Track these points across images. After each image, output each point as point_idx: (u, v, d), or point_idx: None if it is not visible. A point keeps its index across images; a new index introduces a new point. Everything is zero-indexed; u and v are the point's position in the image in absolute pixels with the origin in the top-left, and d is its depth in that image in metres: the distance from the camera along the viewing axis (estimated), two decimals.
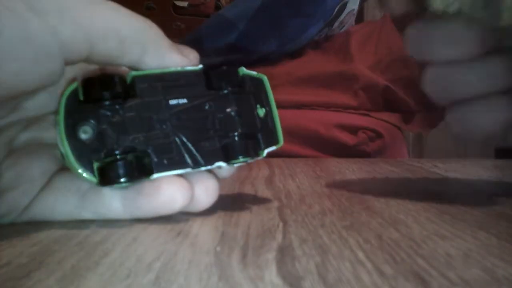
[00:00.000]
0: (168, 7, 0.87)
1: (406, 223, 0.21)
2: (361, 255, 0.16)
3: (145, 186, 0.21)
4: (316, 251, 0.16)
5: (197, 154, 0.21)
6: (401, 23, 0.25)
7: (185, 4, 0.87)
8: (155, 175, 0.21)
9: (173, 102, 0.22)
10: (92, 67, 0.22)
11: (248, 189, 0.30)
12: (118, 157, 0.20)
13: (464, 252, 0.16)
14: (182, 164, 0.21)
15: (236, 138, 0.22)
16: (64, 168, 0.22)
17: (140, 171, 0.20)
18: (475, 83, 0.23)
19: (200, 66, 0.23)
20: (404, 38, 0.24)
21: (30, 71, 0.18)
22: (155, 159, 0.21)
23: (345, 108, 0.66)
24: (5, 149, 0.21)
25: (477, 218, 0.22)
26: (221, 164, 0.22)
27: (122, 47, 0.20)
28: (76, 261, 0.16)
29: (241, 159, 0.22)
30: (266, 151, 0.23)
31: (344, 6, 0.71)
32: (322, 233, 0.19)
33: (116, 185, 0.20)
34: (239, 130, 0.22)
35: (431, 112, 0.67)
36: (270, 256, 0.16)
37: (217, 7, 0.87)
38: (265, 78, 0.24)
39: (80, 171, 0.20)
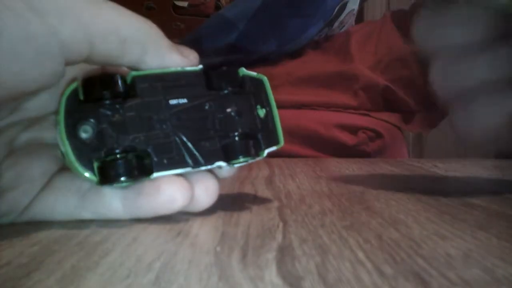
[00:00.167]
0: (168, 7, 0.87)
1: (406, 223, 0.21)
2: (361, 255, 0.16)
3: (145, 186, 0.21)
4: (316, 251, 0.16)
5: (197, 154, 0.22)
6: (401, 20, 0.25)
7: (185, 4, 0.87)
8: (155, 175, 0.21)
9: (173, 102, 0.22)
10: (92, 67, 0.22)
11: (248, 189, 0.30)
12: (118, 156, 0.20)
13: (464, 252, 0.16)
14: (182, 164, 0.21)
15: (237, 138, 0.22)
16: (64, 168, 0.22)
17: (140, 170, 0.20)
18: (483, 70, 0.23)
19: (200, 66, 0.23)
20: (412, 28, 0.24)
21: (30, 71, 0.18)
22: (155, 159, 0.21)
23: (345, 108, 0.66)
24: (5, 149, 0.21)
25: (477, 218, 0.22)
26: (221, 164, 0.22)
27: (122, 47, 0.20)
28: (76, 261, 0.16)
29: (241, 159, 0.22)
30: (266, 152, 0.23)
31: (344, 6, 0.71)
32: (322, 233, 0.19)
33: (116, 184, 0.20)
34: (239, 130, 0.23)
35: (431, 112, 0.67)
36: (270, 256, 0.16)
37: (217, 7, 0.87)
38: (265, 79, 0.24)
39: (80, 170, 0.20)
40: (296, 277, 0.14)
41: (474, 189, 0.32)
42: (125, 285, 0.14)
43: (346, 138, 0.63)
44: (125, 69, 0.22)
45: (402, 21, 0.68)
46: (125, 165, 0.20)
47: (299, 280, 0.14)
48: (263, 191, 0.29)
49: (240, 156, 0.22)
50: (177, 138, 0.21)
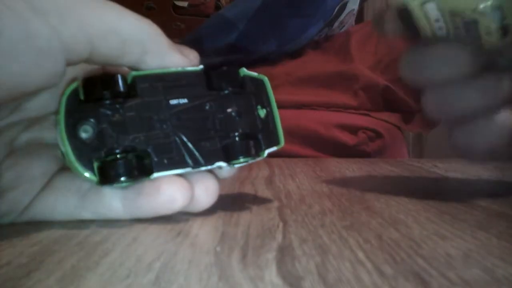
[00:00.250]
0: (168, 7, 0.87)
1: (406, 223, 0.21)
2: (361, 255, 0.16)
3: (145, 186, 0.21)
4: (316, 251, 0.16)
5: (197, 154, 0.22)
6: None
7: (185, 4, 0.87)
8: (155, 175, 0.21)
9: (173, 102, 0.22)
10: (93, 67, 0.22)
11: (248, 189, 0.30)
12: (118, 156, 0.20)
13: (464, 252, 0.16)
14: (182, 164, 0.21)
15: (237, 139, 0.22)
16: (64, 168, 0.22)
17: (140, 170, 0.20)
18: (472, 100, 0.24)
19: (201, 66, 0.23)
20: (400, 66, 0.26)
21: (31, 71, 0.18)
22: (155, 159, 0.21)
23: (345, 108, 0.66)
24: (5, 149, 0.21)
25: (477, 218, 0.22)
26: (222, 164, 0.22)
27: (123, 47, 0.20)
28: (76, 261, 0.16)
29: (241, 159, 0.22)
30: (266, 152, 0.23)
31: (344, 6, 0.71)
32: (322, 233, 0.19)
33: (116, 184, 0.20)
34: (240, 131, 0.23)
35: None
36: (270, 256, 0.16)
37: (217, 7, 0.87)
38: (266, 79, 0.24)
39: (80, 170, 0.20)
40: (296, 277, 0.14)
41: (474, 189, 0.32)
42: (125, 285, 0.14)
43: (346, 138, 0.62)
44: (125, 69, 0.22)
45: None
46: (125, 165, 0.20)
47: (299, 280, 0.14)
48: (263, 191, 0.29)
49: (241, 157, 0.22)
50: (177, 138, 0.21)
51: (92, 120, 0.20)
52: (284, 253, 0.16)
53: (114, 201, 0.21)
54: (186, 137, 0.21)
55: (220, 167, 0.22)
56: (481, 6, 0.22)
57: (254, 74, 0.24)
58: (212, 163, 0.22)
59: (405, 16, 0.24)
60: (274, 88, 0.24)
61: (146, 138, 0.21)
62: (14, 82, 0.17)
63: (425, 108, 0.26)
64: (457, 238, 0.18)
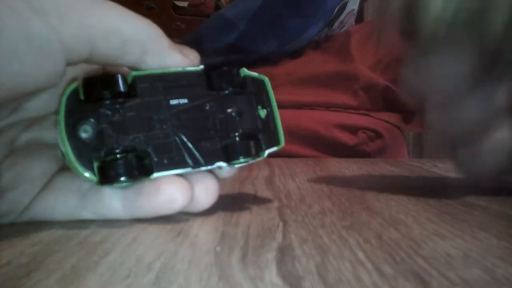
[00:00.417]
0: (168, 7, 0.87)
1: (406, 223, 0.21)
2: (361, 255, 0.16)
3: (145, 186, 0.21)
4: (316, 251, 0.16)
5: (197, 154, 0.22)
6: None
7: (185, 4, 0.87)
8: (155, 175, 0.21)
9: (173, 102, 0.22)
10: (93, 67, 0.22)
11: (248, 189, 0.30)
12: (118, 156, 0.20)
13: (464, 252, 0.16)
14: (182, 164, 0.21)
15: (237, 139, 0.22)
16: (64, 168, 0.22)
17: (140, 170, 0.20)
18: (478, 110, 0.24)
19: (201, 66, 0.23)
20: (400, 83, 0.25)
21: (31, 71, 0.18)
22: (155, 159, 0.21)
23: (345, 108, 0.66)
24: (5, 149, 0.21)
25: (477, 218, 0.22)
26: (222, 164, 0.22)
27: (123, 48, 0.20)
28: (76, 261, 0.16)
29: (241, 159, 0.22)
30: (267, 152, 0.23)
31: (344, 6, 0.71)
32: (322, 233, 0.19)
33: (116, 184, 0.20)
34: (240, 131, 0.23)
35: None
36: (270, 256, 0.16)
37: (217, 7, 0.87)
38: (266, 79, 0.24)
39: (80, 170, 0.20)
40: (296, 277, 0.14)
41: (474, 189, 0.32)
42: (125, 285, 0.14)
43: (346, 138, 0.63)
44: (125, 69, 0.22)
45: None
46: (125, 165, 0.20)
47: (299, 280, 0.14)
48: (263, 191, 0.29)
49: (241, 157, 0.22)
50: (177, 138, 0.21)
51: (92, 120, 0.20)
52: (284, 253, 0.16)
53: (114, 201, 0.21)
54: (186, 137, 0.21)
55: (220, 167, 0.22)
56: (485, 3, 0.21)
57: (254, 74, 0.24)
58: (212, 163, 0.22)
59: (407, 14, 0.24)
60: (274, 88, 0.24)
61: (146, 138, 0.21)
62: (14, 82, 0.17)
63: (430, 128, 0.25)
64: (457, 238, 0.18)
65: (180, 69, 0.22)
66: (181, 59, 0.22)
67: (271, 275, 0.14)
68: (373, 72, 0.67)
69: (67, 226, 0.21)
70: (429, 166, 0.43)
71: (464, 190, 0.31)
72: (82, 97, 0.20)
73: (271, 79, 0.24)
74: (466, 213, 0.23)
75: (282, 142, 0.24)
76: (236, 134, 0.22)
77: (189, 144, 0.21)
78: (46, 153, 0.22)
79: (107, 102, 0.20)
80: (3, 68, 0.17)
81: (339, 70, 0.67)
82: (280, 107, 0.24)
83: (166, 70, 0.22)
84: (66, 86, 0.20)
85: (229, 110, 0.23)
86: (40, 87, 0.19)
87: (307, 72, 0.68)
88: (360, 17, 0.90)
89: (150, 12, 0.85)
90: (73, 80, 0.21)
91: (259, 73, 0.24)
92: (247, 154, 0.22)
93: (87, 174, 0.20)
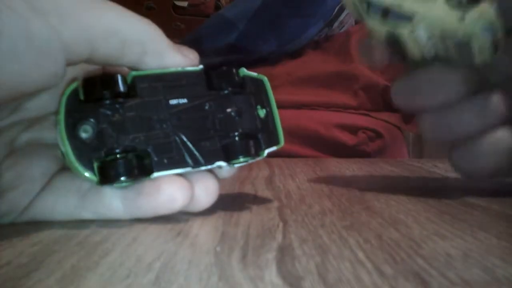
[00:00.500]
0: (168, 7, 0.87)
1: (406, 223, 0.21)
2: (361, 255, 0.16)
3: (145, 185, 0.21)
4: (316, 251, 0.16)
5: (197, 154, 0.22)
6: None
7: (185, 4, 0.87)
8: (155, 174, 0.21)
9: (173, 102, 0.22)
10: (93, 67, 0.22)
11: (248, 189, 0.30)
12: (118, 156, 0.20)
13: (464, 252, 0.16)
14: (182, 164, 0.21)
15: (237, 138, 0.22)
16: (64, 168, 0.22)
17: (140, 170, 0.20)
18: (468, 122, 0.24)
19: (201, 66, 0.23)
20: (392, 94, 0.26)
21: (31, 72, 0.18)
22: (155, 159, 0.21)
23: (345, 108, 0.66)
24: (5, 149, 0.21)
25: (477, 218, 0.22)
26: (222, 163, 0.22)
27: (123, 48, 0.20)
28: (76, 261, 0.16)
29: (241, 159, 0.22)
30: (266, 152, 0.23)
31: (344, 6, 0.71)
32: (322, 233, 0.19)
33: (116, 184, 0.21)
34: (240, 130, 0.23)
35: None
36: (270, 256, 0.16)
37: (217, 7, 0.87)
38: (265, 79, 0.24)
39: (80, 170, 0.20)
40: (296, 277, 0.14)
41: (474, 189, 0.32)
42: (125, 285, 0.14)
43: (346, 138, 0.63)
44: (125, 69, 0.22)
45: None
46: (125, 165, 0.20)
47: (299, 280, 0.14)
48: (263, 191, 0.29)
49: (240, 156, 0.22)
50: (177, 138, 0.21)
51: (92, 120, 0.20)
52: (284, 253, 0.16)
53: (114, 201, 0.21)
54: (186, 137, 0.21)
55: (220, 167, 0.22)
56: (473, 26, 0.22)
57: (253, 74, 0.24)
58: (212, 163, 0.22)
59: (392, 42, 0.24)
60: (274, 88, 0.24)
61: (146, 138, 0.21)
62: (14, 82, 0.17)
63: (423, 133, 0.26)
64: (457, 238, 0.18)
65: (179, 69, 0.22)
66: (181, 59, 0.22)
67: (271, 275, 0.14)
68: (373, 72, 0.67)
69: (67, 226, 0.21)
70: (429, 166, 0.43)
71: (464, 190, 0.31)
72: (82, 97, 0.20)
73: (271, 79, 0.24)
74: (466, 213, 0.23)
75: (282, 142, 0.24)
76: (236, 133, 0.22)
77: (189, 144, 0.21)
78: (46, 153, 0.22)
79: (107, 102, 0.20)
80: (3, 68, 0.17)
81: (339, 70, 0.67)
82: (280, 107, 0.24)
83: (165, 70, 0.22)
84: (66, 86, 0.21)
85: (228, 110, 0.23)
86: (40, 87, 0.19)
87: (307, 72, 0.68)
88: None
89: (150, 12, 0.85)
90: (73, 80, 0.21)
91: (259, 73, 0.24)
92: (246, 153, 0.22)
93: (87, 174, 0.20)
